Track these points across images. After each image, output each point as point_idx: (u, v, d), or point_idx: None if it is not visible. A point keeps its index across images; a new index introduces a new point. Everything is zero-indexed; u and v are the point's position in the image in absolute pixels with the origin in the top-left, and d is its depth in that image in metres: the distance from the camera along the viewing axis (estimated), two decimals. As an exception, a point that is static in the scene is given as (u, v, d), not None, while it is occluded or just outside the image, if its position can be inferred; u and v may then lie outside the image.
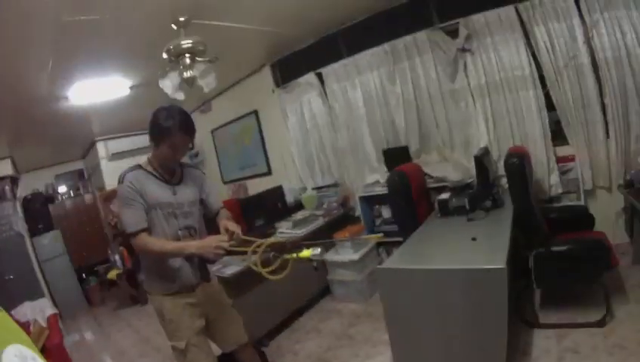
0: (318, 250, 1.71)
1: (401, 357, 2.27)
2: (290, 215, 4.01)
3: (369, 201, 4.15)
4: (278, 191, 4.19)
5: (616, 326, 2.37)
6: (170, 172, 2.04)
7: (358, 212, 4.17)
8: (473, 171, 3.23)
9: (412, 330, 2.14)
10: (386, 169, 4.00)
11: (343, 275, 3.71)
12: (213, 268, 2.67)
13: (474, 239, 2.23)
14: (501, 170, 3.19)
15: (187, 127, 1.91)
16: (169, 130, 1.85)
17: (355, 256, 3.58)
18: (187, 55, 3.02)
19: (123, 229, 1.92)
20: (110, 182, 5.92)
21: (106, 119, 5.16)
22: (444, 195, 3.03)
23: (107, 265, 6.45)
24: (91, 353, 4.38)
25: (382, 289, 2.24)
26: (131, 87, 4.24)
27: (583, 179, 3.27)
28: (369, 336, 3.08)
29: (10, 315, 3.65)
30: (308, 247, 1.77)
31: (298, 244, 1.78)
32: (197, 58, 3.09)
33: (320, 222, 3.87)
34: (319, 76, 4.41)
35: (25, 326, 3.51)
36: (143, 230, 1.87)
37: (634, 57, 2.92)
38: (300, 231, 3.58)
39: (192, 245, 1.90)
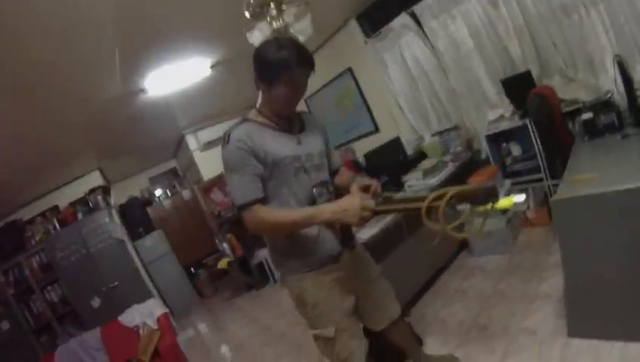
0: (523, 197, 1.27)
1: (576, 300, 2.00)
2: (415, 166, 3.66)
3: (495, 141, 3.71)
4: (396, 144, 3.87)
5: None
6: (288, 120, 1.67)
7: (485, 154, 3.75)
8: (606, 88, 2.94)
9: (593, 269, 1.86)
10: (508, 101, 3.58)
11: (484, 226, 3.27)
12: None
13: None
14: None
15: (307, 57, 1.53)
16: (286, 62, 1.47)
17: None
18: (272, 3, 2.66)
19: (234, 203, 1.54)
20: (207, 173, 5.95)
21: (191, 108, 5.10)
22: (587, 115, 2.63)
23: (215, 256, 6.56)
24: (208, 347, 4.29)
25: (557, 223, 1.89)
26: (212, 66, 4.03)
27: None
28: (523, 291, 2.67)
29: (117, 322, 3.63)
30: (506, 195, 1.33)
31: (494, 191, 1.27)
32: (283, 6, 2.73)
33: (450, 168, 3.49)
34: (413, 17, 3.98)
35: (133, 331, 3.51)
36: (258, 200, 1.49)
37: None
38: (434, 180, 3.22)
39: (327, 210, 1.50)
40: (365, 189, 1.62)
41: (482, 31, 3.62)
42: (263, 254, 5.38)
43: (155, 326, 3.48)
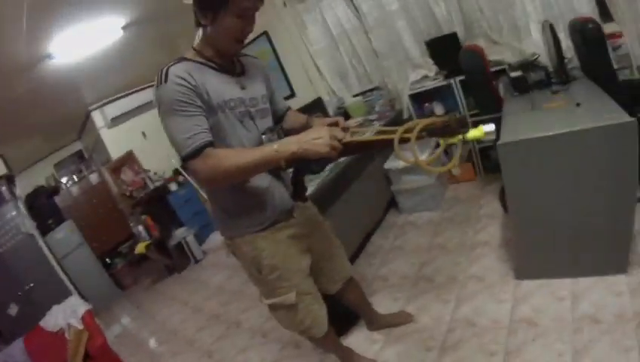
0: (492, 126, 1.17)
1: (524, 239, 2.06)
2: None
3: (418, 100, 3.76)
4: (318, 105, 3.76)
5: None
6: (230, 61, 1.47)
7: (408, 113, 3.77)
8: (529, 52, 3.06)
9: (536, 208, 1.94)
10: (432, 62, 3.64)
11: (411, 182, 3.29)
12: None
13: (578, 104, 1.96)
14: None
15: None
16: None
17: (424, 157, 3.13)
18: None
19: (178, 153, 1.28)
20: (115, 151, 5.52)
21: (98, 79, 4.60)
22: (515, 73, 2.76)
23: (130, 243, 6.16)
24: (139, 342, 3.93)
25: (504, 167, 1.93)
26: (124, 27, 3.60)
27: (633, 54, 2.84)
28: (461, 242, 2.75)
29: (40, 328, 3.20)
30: (475, 125, 1.22)
31: (464, 122, 1.19)
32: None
33: (377, 126, 3.38)
34: None
35: (59, 336, 3.12)
36: (209, 143, 1.26)
37: None
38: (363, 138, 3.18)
39: (292, 140, 1.27)
40: (330, 125, 1.41)
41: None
42: (180, 234, 5.17)
43: (81, 326, 3.12)
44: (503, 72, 3.14)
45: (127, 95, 5.45)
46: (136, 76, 5.15)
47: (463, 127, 1.18)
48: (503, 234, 2.60)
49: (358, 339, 2.25)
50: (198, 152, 1.23)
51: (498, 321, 1.94)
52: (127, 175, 5.41)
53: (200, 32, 1.41)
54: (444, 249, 2.75)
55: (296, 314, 1.64)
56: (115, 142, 5.51)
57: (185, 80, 1.25)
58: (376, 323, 2.25)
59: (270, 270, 1.54)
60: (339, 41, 4.19)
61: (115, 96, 5.38)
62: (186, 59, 1.34)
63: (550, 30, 2.47)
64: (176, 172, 5.67)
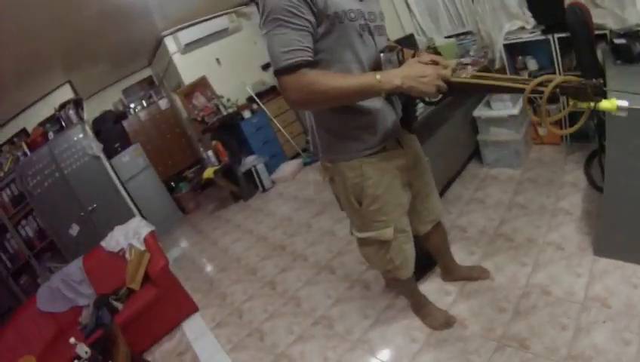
0: (627, 103, 1.09)
1: (612, 216, 1.96)
2: None
3: (511, 51, 3.54)
4: (410, 41, 3.60)
5: None
6: None
7: (499, 64, 3.57)
8: (632, 22, 2.81)
9: (633, 185, 1.80)
10: (530, 14, 3.39)
11: (499, 135, 3.19)
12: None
13: None
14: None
15: None
16: None
17: (515, 110, 3.03)
18: None
19: (273, 65, 1.21)
20: (188, 77, 5.56)
21: (172, 5, 4.57)
22: (620, 40, 2.56)
23: (196, 168, 6.38)
24: (199, 268, 4.04)
25: (610, 136, 1.81)
26: None
27: None
28: (543, 204, 2.66)
29: (100, 248, 3.34)
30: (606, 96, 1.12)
31: (600, 90, 1.08)
32: None
33: (471, 71, 3.26)
34: None
35: (119, 256, 3.26)
36: (307, 63, 1.18)
37: None
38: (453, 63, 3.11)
39: (397, 74, 1.20)
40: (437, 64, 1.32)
41: None
42: (250, 162, 5.24)
43: (143, 248, 3.21)
44: (601, 37, 2.92)
45: (201, 22, 5.40)
46: (211, 2, 5.11)
47: (598, 94, 1.09)
48: (584, 206, 2.50)
49: (430, 288, 2.27)
50: (293, 69, 1.16)
51: (573, 294, 1.91)
52: (199, 100, 5.45)
53: None
54: (525, 209, 2.68)
55: (387, 252, 1.63)
56: (188, 68, 5.53)
57: None
58: (453, 273, 2.24)
59: (372, 200, 1.50)
60: None
61: (189, 23, 5.34)
62: None
63: None
64: (250, 99, 5.71)
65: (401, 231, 1.61)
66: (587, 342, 1.65)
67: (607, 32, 2.92)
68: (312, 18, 1.19)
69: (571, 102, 1.15)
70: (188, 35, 5.35)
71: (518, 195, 2.86)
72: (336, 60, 1.29)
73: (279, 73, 1.18)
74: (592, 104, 1.10)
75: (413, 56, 1.40)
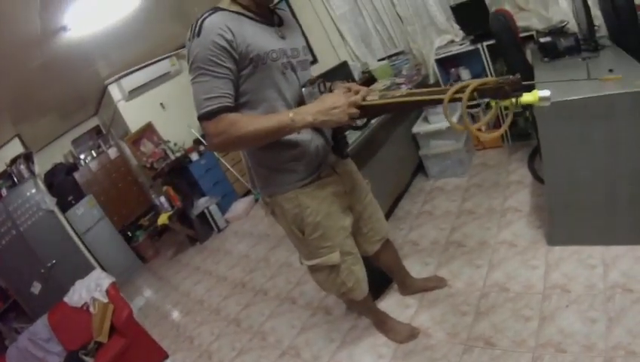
0: (548, 93, 1.11)
1: (558, 204, 2.08)
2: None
3: (444, 65, 3.74)
4: (344, 68, 3.71)
5: None
6: (266, 10, 1.42)
7: (434, 78, 3.77)
8: (556, 20, 3.05)
9: (571, 173, 1.95)
10: (458, 27, 3.62)
11: (440, 147, 3.32)
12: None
13: (611, 70, 1.92)
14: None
15: None
16: None
17: (454, 121, 3.18)
18: None
19: (196, 111, 1.27)
20: (134, 124, 5.58)
21: (114, 52, 4.62)
22: (545, 39, 2.74)
23: (150, 215, 6.28)
24: (163, 313, 4.00)
25: (542, 130, 1.96)
26: None
27: None
28: (490, 207, 2.76)
29: (64, 304, 3.25)
30: (529, 89, 1.15)
31: (519, 84, 1.11)
32: None
33: (404, 90, 3.41)
34: None
35: (83, 311, 3.18)
36: (224, 109, 1.24)
37: None
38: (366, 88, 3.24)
39: (308, 111, 1.27)
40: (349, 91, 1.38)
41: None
42: (202, 203, 5.23)
43: (106, 300, 3.17)
44: (529, 38, 3.15)
45: (144, 67, 5.46)
46: (153, 47, 5.19)
47: (517, 90, 1.11)
48: (533, 201, 2.62)
49: (390, 303, 2.30)
50: (212, 115, 1.23)
51: (531, 287, 1.97)
52: (146, 146, 5.45)
53: None
54: (474, 214, 2.77)
55: (338, 276, 1.65)
56: (134, 114, 5.55)
57: (222, 35, 1.21)
58: (410, 287, 2.27)
59: (313, 229, 1.53)
60: (362, 5, 4.17)
61: (132, 69, 5.38)
62: (221, 8, 1.28)
63: None
64: (197, 141, 5.73)
65: (348, 253, 1.64)
66: (553, 329, 1.70)
67: (533, 32, 3.11)
68: (232, 65, 1.25)
69: (493, 103, 1.19)
70: (131, 82, 5.38)
71: (465, 202, 2.96)
72: (261, 100, 1.35)
73: (201, 119, 1.25)
74: (514, 100, 1.13)
75: (330, 90, 1.45)
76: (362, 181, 1.80)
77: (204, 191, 5.43)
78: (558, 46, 2.63)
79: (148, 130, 5.57)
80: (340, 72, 3.66)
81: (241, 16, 1.31)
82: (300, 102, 1.41)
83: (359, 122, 1.44)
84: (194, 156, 5.50)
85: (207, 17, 1.23)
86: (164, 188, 5.27)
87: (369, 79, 4.04)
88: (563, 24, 2.95)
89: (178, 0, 4.08)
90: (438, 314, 2.11)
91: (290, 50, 1.41)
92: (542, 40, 2.74)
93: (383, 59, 4.19)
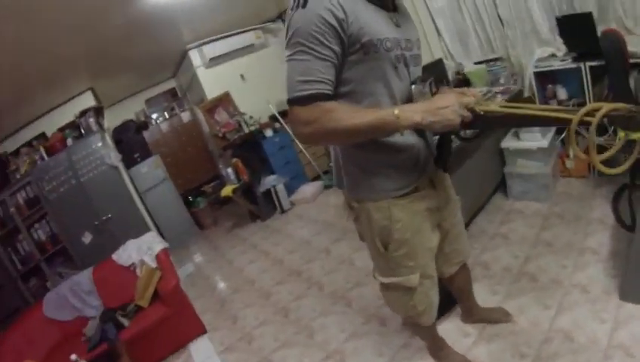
0: None
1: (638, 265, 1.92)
2: None
3: (540, 79, 3.51)
4: (439, 67, 3.56)
5: None
6: None
7: (528, 92, 3.56)
8: None
9: None
10: (562, 40, 3.38)
11: (526, 167, 3.16)
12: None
13: None
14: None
15: None
16: None
17: (545, 143, 2.99)
18: None
19: (287, 92, 1.14)
20: (211, 92, 5.68)
21: (198, 19, 4.69)
22: None
23: (215, 183, 6.46)
24: (212, 286, 4.03)
25: None
26: None
27: None
28: (570, 242, 2.59)
29: (112, 260, 3.36)
30: None
31: None
32: None
33: (500, 100, 3.22)
34: None
35: (129, 271, 3.29)
36: (324, 97, 1.09)
37: None
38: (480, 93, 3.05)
39: (417, 109, 1.13)
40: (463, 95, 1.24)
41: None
42: (270, 181, 5.26)
43: (155, 265, 3.22)
44: (634, 66, 2.82)
45: (227, 36, 5.53)
46: (238, 18, 5.24)
47: None
48: (612, 245, 2.44)
49: (449, 328, 2.21)
50: (307, 100, 1.09)
51: (596, 342, 1.84)
52: (221, 116, 5.53)
53: None
54: (551, 247, 2.62)
55: (411, 298, 1.56)
56: (212, 82, 5.65)
57: (333, 11, 1.07)
58: (474, 315, 2.18)
59: (399, 245, 1.42)
60: (463, 1, 3.98)
61: (216, 37, 5.47)
62: None
63: None
64: (273, 118, 5.78)
65: (428, 276, 1.55)
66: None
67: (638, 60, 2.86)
68: (338, 48, 1.11)
69: (622, 134, 1.06)
70: (213, 50, 5.48)
71: (544, 231, 2.80)
72: (367, 93, 1.21)
73: (291, 103, 1.12)
74: None
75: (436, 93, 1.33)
76: (455, 197, 1.68)
77: (274, 169, 5.47)
78: None
79: (225, 100, 5.63)
80: (434, 70, 3.51)
81: None
82: (408, 100, 1.27)
83: (469, 132, 1.32)
84: (268, 132, 5.55)
85: None
86: (234, 160, 5.33)
87: (463, 81, 3.85)
88: None
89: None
90: (496, 350, 2.01)
91: (404, 40, 1.26)
92: None
93: (480, 62, 3.99)
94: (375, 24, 1.16)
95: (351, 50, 1.14)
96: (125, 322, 2.97)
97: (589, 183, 3.18)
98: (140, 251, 3.37)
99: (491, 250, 2.80)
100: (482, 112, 1.15)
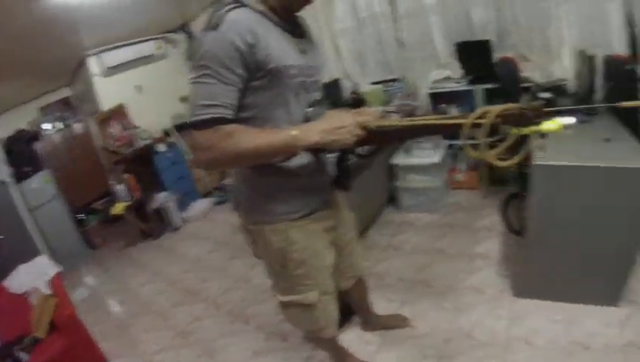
0: (573, 120, 1.08)
1: (533, 259, 2.14)
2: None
3: (435, 99, 3.79)
4: (335, 86, 3.67)
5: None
6: (292, 17, 1.30)
7: (422, 111, 3.78)
8: (556, 76, 3.18)
9: (553, 231, 2.02)
10: (459, 64, 3.67)
11: (418, 181, 3.35)
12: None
13: (608, 140, 2.02)
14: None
15: None
16: None
17: (436, 158, 3.20)
18: None
19: (189, 114, 1.13)
20: (107, 102, 5.39)
21: (100, 23, 4.43)
22: (546, 94, 2.82)
23: (107, 199, 6.03)
24: (107, 310, 3.78)
25: (535, 187, 1.99)
26: None
27: None
28: (460, 250, 2.80)
29: (2, 288, 3.05)
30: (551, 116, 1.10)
31: (542, 111, 1.08)
32: None
33: (394, 119, 3.42)
34: None
35: (23, 299, 2.99)
36: (222, 121, 1.10)
37: None
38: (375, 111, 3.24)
39: (314, 129, 1.16)
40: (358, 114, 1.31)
41: (450, -11, 3.64)
42: (162, 198, 5.08)
43: (49, 291, 2.97)
44: (525, 89, 3.17)
45: (127, 45, 5.30)
46: (140, 26, 5.05)
47: (539, 116, 1.08)
48: (502, 250, 2.67)
49: (350, 338, 2.26)
50: (207, 124, 1.09)
51: (495, 337, 2.00)
52: (115, 129, 5.28)
53: None
54: (444, 254, 2.81)
55: (312, 314, 1.58)
56: (108, 92, 5.37)
57: (243, 36, 1.08)
58: (373, 323, 2.25)
59: (297, 265, 1.44)
60: (364, 23, 4.16)
61: (115, 45, 5.23)
62: (244, 5, 1.15)
63: (589, 61, 2.59)
64: (167, 132, 5.60)
65: (326, 293, 1.58)
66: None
67: (532, 85, 3.17)
68: (245, 73, 1.12)
69: (514, 130, 1.13)
70: (112, 58, 5.21)
71: (436, 240, 2.98)
72: (267, 119, 1.22)
73: (191, 126, 1.12)
74: (536, 127, 1.09)
75: None
76: (349, 215, 1.73)
77: (166, 185, 5.30)
78: (557, 104, 2.68)
79: (119, 112, 5.38)
80: (331, 90, 3.63)
81: (266, 19, 1.18)
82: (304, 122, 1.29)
83: (365, 150, 1.37)
84: (161, 147, 5.36)
85: (232, 10, 1.10)
86: (126, 175, 5.08)
87: (358, 101, 4.03)
88: (564, 82, 3.08)
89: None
90: (399, 354, 2.10)
91: (308, 68, 1.29)
92: (541, 95, 2.81)
93: (376, 82, 4.18)
94: (282, 51, 1.18)
95: (256, 76, 1.15)
96: (24, 356, 2.67)
97: (478, 194, 3.45)
98: (32, 277, 3.09)
99: (385, 260, 2.92)
100: (376, 127, 1.22)
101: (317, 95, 1.38)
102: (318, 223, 1.44)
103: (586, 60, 2.67)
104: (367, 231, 3.34)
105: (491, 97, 3.35)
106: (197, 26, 5.51)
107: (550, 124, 1.08)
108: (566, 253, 2.02)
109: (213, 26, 1.08)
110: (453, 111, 3.68)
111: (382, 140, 1.32)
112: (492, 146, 1.15)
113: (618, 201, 1.82)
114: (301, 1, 1.24)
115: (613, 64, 2.52)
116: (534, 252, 2.11)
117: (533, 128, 1.09)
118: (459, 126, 1.14)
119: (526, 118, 1.08)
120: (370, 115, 1.27)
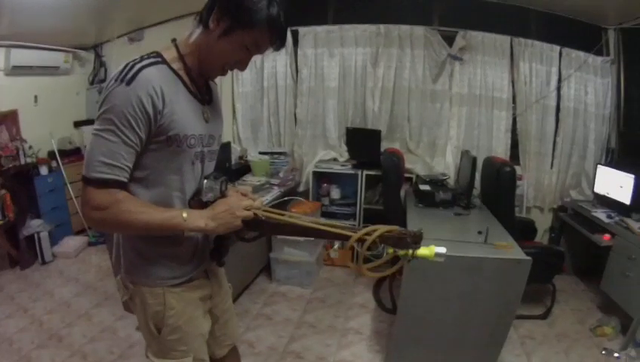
0: (444, 250, 1.23)
1: (405, 335, 2.43)
2: (239, 178, 3.84)
3: (319, 178, 4.16)
4: (226, 150, 3.72)
5: (555, 319, 3.18)
6: (204, 82, 1.34)
7: (304, 187, 4.19)
8: (437, 170, 3.86)
9: (425, 311, 2.32)
10: (346, 148, 4.14)
11: (292, 255, 3.63)
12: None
13: (480, 232, 2.41)
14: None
15: (283, 30, 1.23)
16: (264, 18, 1.15)
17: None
18: None
19: (85, 167, 1.12)
20: (6, 102, 4.78)
21: (17, 17, 4.06)
22: (425, 187, 3.30)
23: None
24: None
25: (406, 269, 2.27)
26: None
27: (527, 196, 4.07)
28: (333, 324, 3.05)
29: None
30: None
31: (419, 238, 1.22)
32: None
33: (275, 192, 3.67)
34: (294, 34, 4.25)
35: None
36: (118, 185, 1.12)
37: (588, 115, 3.99)
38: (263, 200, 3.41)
39: (201, 214, 1.23)
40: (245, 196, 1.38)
41: (352, 79, 4.22)
42: (35, 225, 4.67)
43: None
44: (407, 179, 3.68)
45: (38, 48, 4.89)
46: (55, 32, 4.76)
47: (416, 243, 1.20)
48: (374, 326, 2.95)
49: None
50: (104, 184, 1.10)
51: None
52: (3, 136, 4.73)
53: (195, 33, 1.23)
54: (315, 328, 3.01)
55: None
56: (7, 93, 4.80)
57: (150, 97, 1.10)
58: None
59: (172, 330, 1.44)
60: (266, 92, 4.44)
61: (26, 44, 4.76)
62: (164, 61, 1.19)
63: (472, 162, 3.11)
64: (52, 155, 5.17)
65: (200, 360, 1.62)
66: None
67: (413, 176, 3.74)
68: (145, 136, 1.13)
69: (391, 250, 1.23)
70: (20, 57, 4.77)
71: (307, 314, 3.20)
72: (159, 183, 1.24)
73: (87, 181, 1.12)
74: (411, 252, 1.19)
75: (225, 195, 1.39)
76: (227, 285, 1.83)
77: (41, 213, 4.87)
78: (435, 197, 3.14)
79: (11, 118, 4.85)
80: (220, 152, 3.76)
81: (179, 81, 1.21)
82: (197, 194, 1.33)
83: (250, 235, 1.46)
84: (43, 170, 4.94)
85: (146, 67, 1.12)
86: (2, 191, 4.52)
87: (244, 167, 4.16)
88: (444, 177, 3.61)
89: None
90: None
91: (208, 137, 1.33)
92: (422, 187, 3.26)
93: (265, 153, 4.31)
94: (186, 119, 1.21)
95: (155, 140, 1.16)
96: None
97: (351, 272, 3.78)
98: None
99: (255, 329, 3.05)
100: (264, 218, 1.30)
101: (212, 165, 1.43)
102: (195, 291, 1.47)
103: (469, 160, 3.18)
104: (239, 297, 3.45)
105: (373, 183, 3.81)
106: (108, 50, 5.43)
107: (424, 250, 1.21)
108: (437, 331, 2.28)
109: (126, 80, 1.08)
110: (335, 192, 4.16)
111: (268, 230, 1.46)
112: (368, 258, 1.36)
113: (489, 285, 2.12)
114: (216, 72, 1.29)
115: (494, 166, 2.97)
116: (406, 330, 2.37)
117: (409, 252, 1.20)
118: (345, 236, 1.26)
119: (404, 242, 1.20)
120: (254, 200, 1.34)
